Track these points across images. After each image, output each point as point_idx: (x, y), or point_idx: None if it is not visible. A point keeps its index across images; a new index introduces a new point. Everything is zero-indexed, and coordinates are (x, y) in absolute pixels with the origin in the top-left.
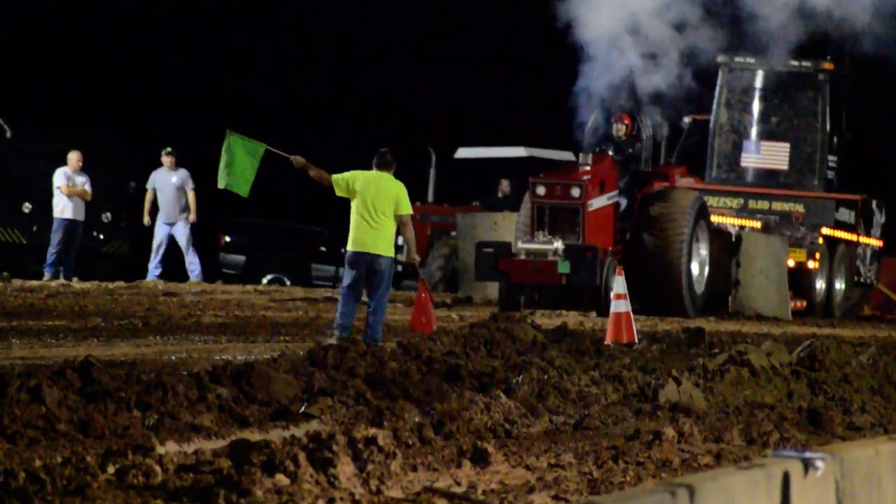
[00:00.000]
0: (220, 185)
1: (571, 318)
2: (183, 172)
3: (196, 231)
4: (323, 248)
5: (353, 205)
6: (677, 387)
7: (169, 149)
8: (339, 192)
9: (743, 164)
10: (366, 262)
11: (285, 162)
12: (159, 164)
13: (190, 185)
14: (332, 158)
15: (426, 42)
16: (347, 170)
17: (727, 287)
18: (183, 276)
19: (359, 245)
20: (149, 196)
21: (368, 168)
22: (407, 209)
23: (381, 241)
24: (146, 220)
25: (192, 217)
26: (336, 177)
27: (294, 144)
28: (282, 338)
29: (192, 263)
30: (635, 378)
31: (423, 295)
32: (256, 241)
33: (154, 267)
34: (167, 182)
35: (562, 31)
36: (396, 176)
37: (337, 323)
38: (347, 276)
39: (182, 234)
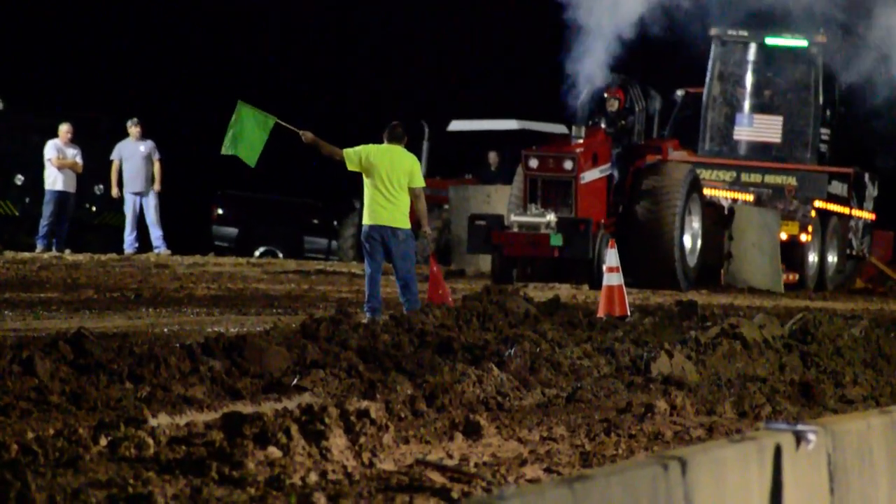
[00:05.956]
0: (225, 151)
1: (564, 290)
2: (150, 142)
3: (188, 203)
4: (315, 221)
5: (367, 179)
6: (669, 360)
7: (136, 119)
8: (351, 167)
9: (736, 137)
10: (383, 236)
11: (291, 137)
12: (127, 135)
13: (157, 156)
14: (327, 132)
15: (419, 15)
16: (345, 145)
17: (720, 260)
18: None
19: (375, 218)
20: (115, 167)
21: (375, 142)
22: (420, 182)
23: (397, 214)
24: (115, 191)
25: (158, 187)
26: (348, 151)
27: (286, 119)
28: (274, 310)
29: (157, 237)
30: (628, 351)
31: (436, 269)
32: (249, 214)
33: (133, 239)
34: (135, 152)
35: (555, 2)
36: None
37: (367, 307)
38: (366, 251)
39: (150, 205)
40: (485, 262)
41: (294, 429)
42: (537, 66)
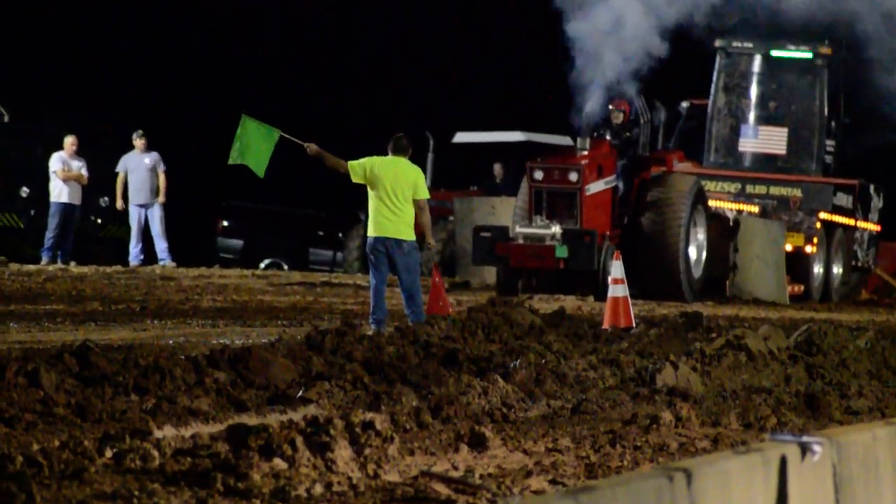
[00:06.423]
0: (232, 161)
1: (569, 302)
2: (154, 154)
3: (194, 215)
4: (321, 233)
5: (372, 191)
6: (675, 371)
7: (140, 131)
8: (355, 179)
9: (741, 148)
10: (388, 248)
11: (295, 149)
12: (131, 147)
13: (161, 167)
14: (328, 134)
15: (424, 26)
16: (350, 156)
17: (725, 271)
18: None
19: (380, 230)
20: (120, 179)
21: (377, 150)
22: (424, 194)
23: (402, 226)
24: (119, 204)
25: (162, 199)
26: (353, 163)
27: (291, 130)
28: (279, 322)
29: (163, 250)
30: (633, 362)
31: (438, 280)
32: (254, 226)
33: (138, 251)
34: (139, 164)
35: (559, 15)
36: None
37: (372, 318)
38: (371, 263)
39: (155, 217)
40: (490, 273)
41: (299, 440)
42: (542, 78)
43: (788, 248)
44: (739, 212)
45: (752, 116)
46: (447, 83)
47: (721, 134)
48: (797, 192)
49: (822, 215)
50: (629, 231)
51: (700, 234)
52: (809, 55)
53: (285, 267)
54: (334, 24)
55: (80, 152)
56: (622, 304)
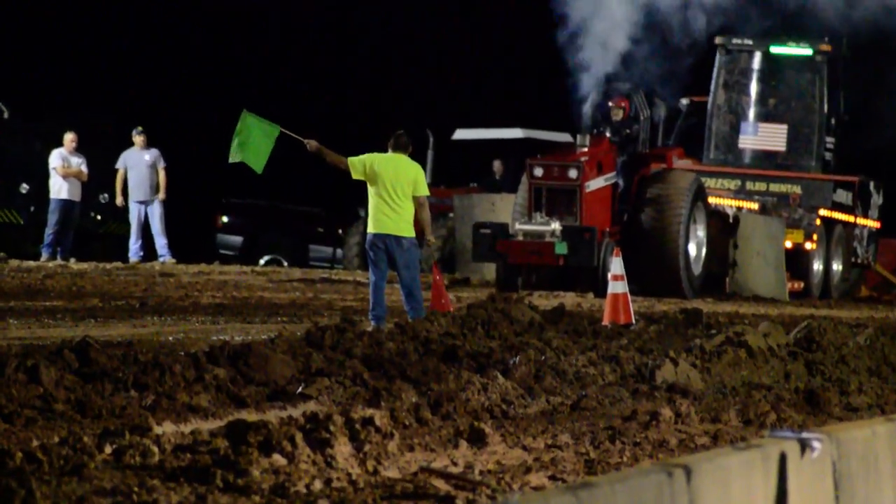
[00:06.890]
0: (232, 159)
1: (569, 299)
2: (154, 151)
3: (193, 212)
4: (320, 230)
5: (371, 187)
6: (674, 367)
7: (140, 128)
8: (355, 176)
9: (740, 145)
10: (387, 244)
11: (295, 145)
12: (131, 144)
13: (161, 164)
14: (333, 143)
15: (424, 26)
16: (351, 154)
17: (724, 268)
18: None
19: (380, 227)
20: (120, 176)
21: (377, 146)
22: (424, 191)
23: (401, 223)
24: (119, 200)
25: (163, 195)
26: (353, 160)
27: (291, 129)
28: (279, 318)
29: (163, 246)
30: (632, 359)
31: (438, 277)
32: (254, 223)
33: (138, 248)
34: (139, 161)
35: (559, 11)
36: None
37: (372, 315)
38: (371, 259)
39: (155, 214)
40: (490, 270)
41: (299, 437)
42: (542, 75)
43: (788, 244)
44: (739, 208)
45: (751, 113)
46: (447, 81)
47: (721, 131)
48: (797, 189)
49: (822, 212)
50: (629, 228)
51: (700, 231)
52: (809, 52)
53: (285, 263)
54: (334, 24)
55: (79, 149)
56: (622, 301)
